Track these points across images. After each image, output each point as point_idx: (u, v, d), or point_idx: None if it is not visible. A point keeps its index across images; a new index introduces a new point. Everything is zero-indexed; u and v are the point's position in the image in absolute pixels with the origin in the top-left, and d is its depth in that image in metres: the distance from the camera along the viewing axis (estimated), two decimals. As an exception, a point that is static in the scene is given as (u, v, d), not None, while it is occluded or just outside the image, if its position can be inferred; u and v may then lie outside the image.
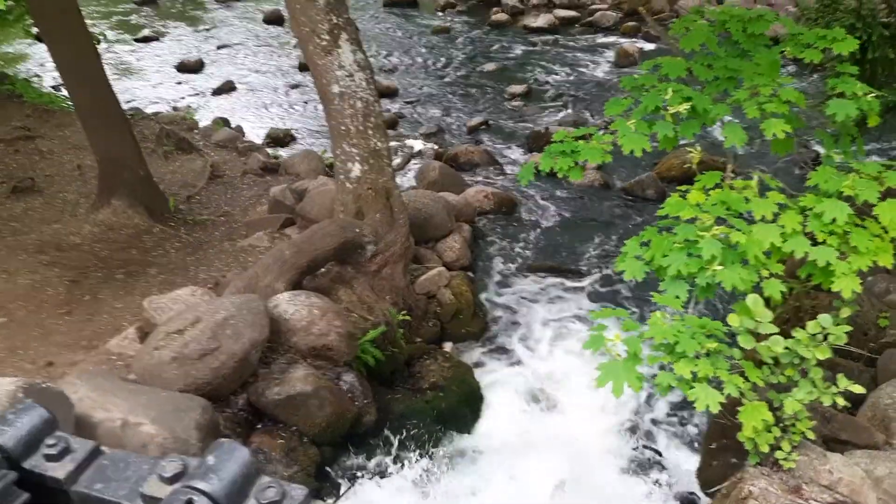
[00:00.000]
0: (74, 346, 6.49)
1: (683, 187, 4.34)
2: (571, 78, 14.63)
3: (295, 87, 15.13)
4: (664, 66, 4.58)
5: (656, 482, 6.08)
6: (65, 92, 13.79)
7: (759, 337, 4.14)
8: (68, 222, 8.58)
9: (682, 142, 4.73)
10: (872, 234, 3.86)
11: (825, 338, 4.16)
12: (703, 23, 5.04)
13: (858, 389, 4.13)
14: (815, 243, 3.88)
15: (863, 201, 3.90)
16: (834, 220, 3.80)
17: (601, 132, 4.72)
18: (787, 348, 4.12)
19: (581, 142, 4.57)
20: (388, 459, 6.20)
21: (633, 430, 6.63)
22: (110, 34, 17.31)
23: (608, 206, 10.25)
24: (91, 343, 6.55)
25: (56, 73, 15.00)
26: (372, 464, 6.14)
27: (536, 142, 11.87)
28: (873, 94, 4.15)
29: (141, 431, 4.85)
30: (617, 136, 4.39)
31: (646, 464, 6.31)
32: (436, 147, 12.31)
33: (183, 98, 14.76)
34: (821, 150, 5.96)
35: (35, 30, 13.60)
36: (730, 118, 4.61)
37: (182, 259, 8.14)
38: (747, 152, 10.24)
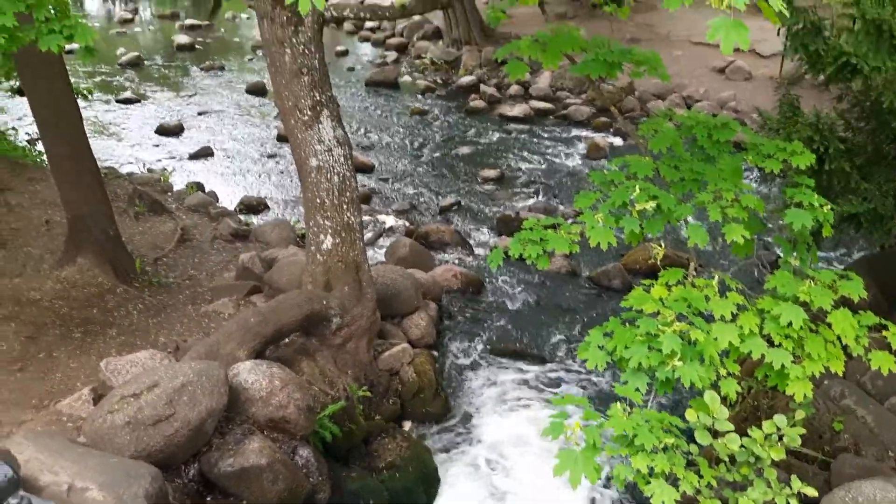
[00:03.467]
0: (24, 404, 6.31)
1: (647, 281, 4.46)
2: (543, 166, 15.03)
3: (272, 156, 15.31)
4: (632, 165, 4.78)
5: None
6: (40, 146, 13.81)
7: (715, 434, 4.20)
8: (30, 277, 8.45)
9: (647, 237, 4.89)
10: (826, 341, 4.00)
11: (780, 438, 4.23)
12: (671, 126, 5.28)
13: (812, 492, 4.18)
14: (771, 345, 4.00)
15: (818, 308, 4.05)
16: (790, 324, 3.94)
17: (569, 221, 4.86)
18: (742, 447, 4.17)
19: (550, 231, 4.69)
20: (339, 540, 6.04)
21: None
22: (93, 93, 17.44)
23: (574, 293, 10.39)
24: (42, 402, 6.38)
25: (32, 128, 15.10)
26: (322, 544, 5.98)
27: (506, 225, 12.09)
28: (829, 206, 4.37)
29: (87, 497, 4.69)
30: (585, 227, 4.52)
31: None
32: (407, 224, 12.46)
33: (159, 160, 14.83)
34: (780, 252, 6.19)
35: (12, 83, 13.70)
36: (693, 219, 4.79)
37: (144, 321, 8.03)
38: (710, 250, 10.54)
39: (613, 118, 16.66)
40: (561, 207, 12.93)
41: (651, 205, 4.34)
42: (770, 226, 6.30)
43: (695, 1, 3.28)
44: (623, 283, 10.40)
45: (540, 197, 13.63)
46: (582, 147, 15.86)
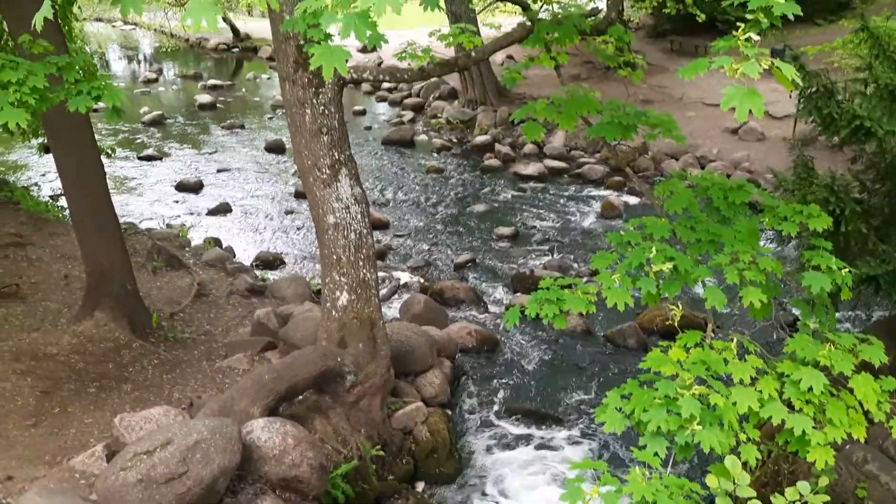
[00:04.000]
0: (38, 460, 6.29)
1: (665, 342, 4.44)
2: (558, 224, 15.09)
3: (289, 212, 15.49)
4: (649, 226, 4.81)
5: None
6: (62, 202, 14.08)
7: (736, 500, 4.11)
8: (48, 331, 8.52)
9: (664, 297, 4.88)
10: (847, 406, 3.95)
11: (803, 506, 4.14)
12: (687, 188, 5.33)
13: (837, 562, 4.07)
14: (791, 410, 3.95)
15: (838, 372, 4.01)
16: (810, 389, 3.89)
17: (584, 280, 4.87)
18: (765, 514, 4.08)
19: (566, 291, 4.70)
20: None
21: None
22: (116, 150, 17.83)
23: (589, 352, 10.31)
24: (55, 458, 6.35)
25: (55, 184, 15.41)
26: None
27: (521, 283, 12.09)
28: (847, 269, 4.36)
29: (95, 558, 4.63)
30: (602, 287, 4.53)
31: None
32: (422, 280, 12.49)
33: (178, 216, 15.04)
34: (798, 314, 6.13)
35: (39, 140, 14.04)
36: (710, 280, 4.79)
37: (158, 377, 8.04)
38: (727, 310, 10.45)
39: (628, 177, 16.76)
40: (576, 266, 12.94)
41: (668, 266, 4.35)
42: (786, 285, 6.27)
43: (709, 69, 3.35)
44: (639, 343, 10.32)
45: (555, 255, 13.65)
46: (596, 206, 15.94)
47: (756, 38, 3.21)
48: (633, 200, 16.07)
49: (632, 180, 14.93)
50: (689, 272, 4.40)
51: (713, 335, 4.49)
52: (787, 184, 7.68)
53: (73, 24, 13.70)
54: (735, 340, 4.30)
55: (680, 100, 20.75)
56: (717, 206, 5.01)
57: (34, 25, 3.79)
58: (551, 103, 5.75)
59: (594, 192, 16.81)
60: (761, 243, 4.94)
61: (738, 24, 3.57)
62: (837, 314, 5.96)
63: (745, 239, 4.67)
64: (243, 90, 27.39)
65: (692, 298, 10.60)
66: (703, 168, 17.09)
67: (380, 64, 25.14)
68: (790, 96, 8.10)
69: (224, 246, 13.28)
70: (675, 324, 4.50)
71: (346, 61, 3.71)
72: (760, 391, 3.95)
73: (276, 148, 19.78)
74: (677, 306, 4.57)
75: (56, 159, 8.62)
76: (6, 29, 10.65)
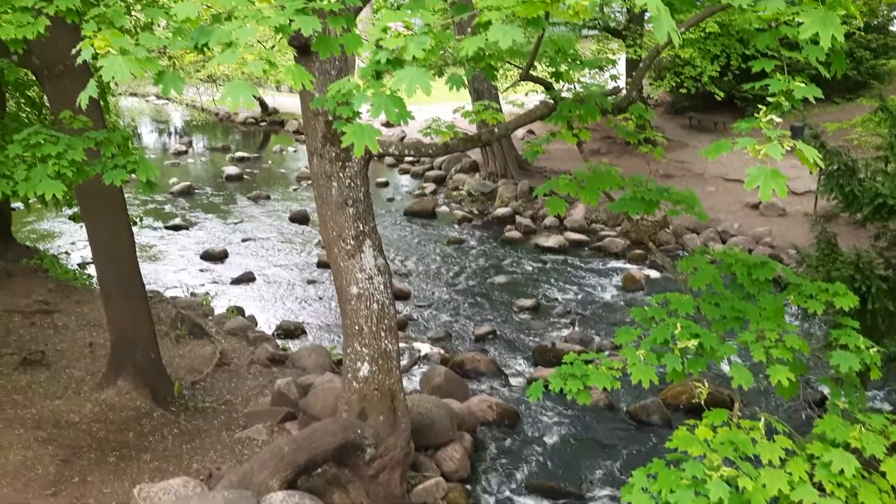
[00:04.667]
0: (55, 531, 6.24)
1: (691, 421, 4.38)
2: (579, 297, 15.06)
3: (311, 282, 15.61)
4: (673, 302, 4.81)
5: None
6: (89, 270, 14.32)
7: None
8: (71, 399, 8.56)
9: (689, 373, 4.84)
10: (880, 490, 3.85)
11: None
12: (710, 263, 5.34)
13: None
14: (822, 493, 3.85)
15: (870, 455, 3.93)
16: (842, 472, 3.81)
17: (606, 353, 4.85)
18: None
19: (591, 366, 4.69)
20: None
21: None
22: (144, 219, 18.21)
23: (612, 428, 10.14)
24: (72, 529, 6.30)
25: (83, 252, 15.71)
26: None
27: (543, 356, 12.00)
28: (875, 349, 4.31)
29: None
30: (626, 364, 4.51)
31: None
32: (442, 352, 12.43)
33: (203, 285, 15.21)
34: (826, 391, 6.03)
35: (71, 210, 14.37)
36: (736, 357, 4.75)
37: (178, 446, 8.00)
38: (754, 388, 10.28)
39: (648, 250, 16.78)
40: (597, 339, 12.84)
41: (693, 343, 4.34)
42: (814, 363, 6.19)
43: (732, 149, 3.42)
44: (662, 419, 10.13)
45: (576, 328, 13.57)
46: (617, 279, 15.92)
47: (778, 120, 3.28)
48: (654, 274, 16.04)
49: (654, 254, 14.89)
50: (715, 349, 4.38)
51: (740, 414, 4.43)
52: (810, 260, 7.67)
53: (110, 98, 14.21)
54: (763, 420, 4.23)
55: (700, 175, 20.90)
56: (742, 283, 5.01)
57: (78, 103, 3.97)
58: (574, 179, 5.85)
59: (615, 265, 16.81)
60: (786, 320, 4.91)
61: (757, 104, 3.66)
62: (867, 392, 5.85)
63: (771, 316, 4.65)
64: (270, 162, 28.01)
65: (716, 374, 10.46)
66: (724, 242, 17.08)
67: (403, 138, 25.67)
68: (811, 172, 8.17)
69: (246, 315, 13.37)
70: (702, 402, 4.45)
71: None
72: (790, 473, 3.87)
73: (300, 218, 20.08)
74: (703, 383, 4.53)
75: (88, 228, 8.82)
76: (47, 104, 11.09)
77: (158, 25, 7.62)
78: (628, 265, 16.68)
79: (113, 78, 3.62)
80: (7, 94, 12.73)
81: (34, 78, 11.95)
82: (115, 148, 6.16)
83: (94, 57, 3.73)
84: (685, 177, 20.48)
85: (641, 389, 10.61)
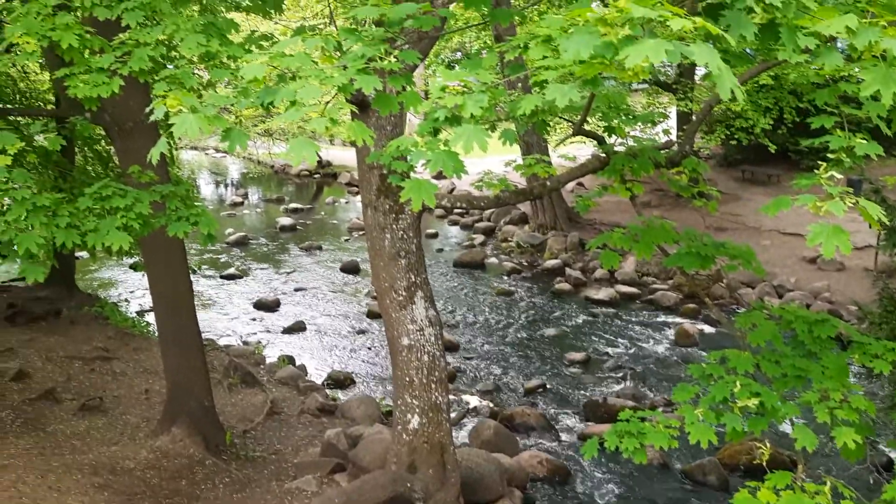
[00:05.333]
0: (107, 578, 6.29)
1: (752, 483, 4.24)
2: (631, 351, 14.81)
3: (361, 332, 15.70)
4: (732, 359, 4.71)
5: None
6: (147, 318, 14.69)
7: None
8: (126, 445, 8.71)
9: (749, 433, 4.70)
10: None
11: None
12: (769, 320, 5.23)
13: None
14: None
15: (946, 524, 3.75)
16: (915, 540, 3.64)
17: (660, 410, 4.76)
18: None
19: (647, 424, 4.60)
20: None
21: None
22: (201, 268, 18.67)
23: (666, 488, 9.84)
24: (125, 577, 6.35)
25: (142, 300, 16.14)
26: None
27: (594, 411, 11.79)
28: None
29: None
30: (684, 422, 4.42)
31: None
32: (491, 405, 12.32)
33: (255, 333, 15.45)
34: (894, 455, 5.79)
35: (132, 259, 14.82)
36: (799, 418, 4.61)
37: (229, 496, 8.04)
38: (818, 449, 9.90)
39: (702, 304, 16.48)
40: (650, 395, 12.57)
41: (754, 402, 4.23)
42: (880, 424, 5.96)
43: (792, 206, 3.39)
44: (719, 480, 9.80)
45: (628, 383, 13.32)
46: (670, 333, 15.63)
47: (839, 176, 3.25)
48: (708, 329, 15.70)
49: (709, 309, 14.61)
50: (777, 409, 4.27)
51: (804, 477, 4.28)
52: (873, 317, 7.45)
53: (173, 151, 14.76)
54: (829, 484, 4.08)
55: (754, 228, 20.56)
56: (802, 340, 4.89)
57: (149, 158, 4.15)
58: (628, 232, 5.83)
59: (667, 319, 16.52)
60: (850, 380, 4.76)
61: (812, 156, 3.63)
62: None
63: (835, 375, 4.52)
64: (322, 213, 28.53)
65: (776, 433, 10.11)
66: (780, 297, 16.68)
67: (452, 190, 25.93)
68: (870, 226, 7.99)
69: (297, 364, 13.50)
70: (763, 463, 4.32)
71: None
72: (860, 541, 3.71)
73: (351, 269, 20.31)
74: (764, 444, 4.40)
75: (149, 277, 9.09)
76: (113, 158, 11.58)
77: (221, 83, 7.93)
78: (681, 319, 16.38)
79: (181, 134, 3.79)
80: (76, 148, 13.32)
81: (102, 133, 12.54)
82: (179, 201, 6.38)
83: (166, 115, 3.92)
84: (739, 230, 20.16)
85: (696, 448, 10.30)
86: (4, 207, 5.51)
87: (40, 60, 11.44)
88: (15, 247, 5.44)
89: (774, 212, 3.33)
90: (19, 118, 10.34)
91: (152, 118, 4.01)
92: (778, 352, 4.84)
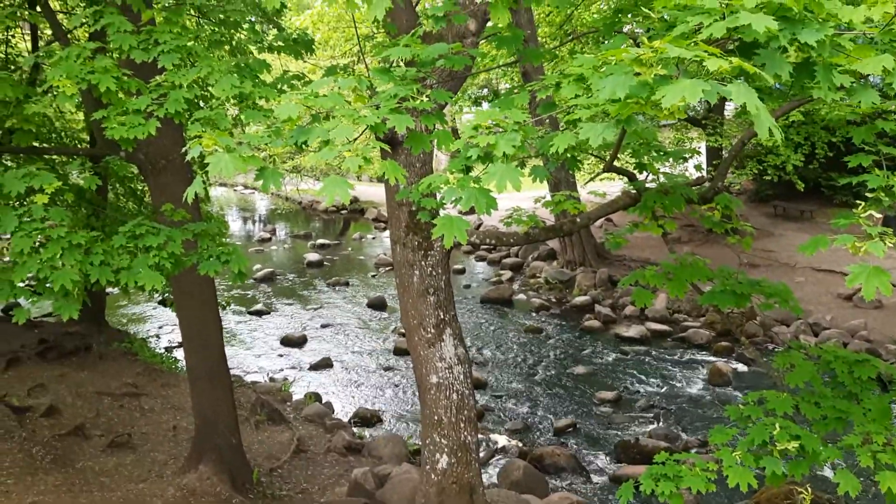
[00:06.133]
0: None
1: (794, 530, 4.10)
2: (662, 390, 14.55)
3: (388, 369, 15.63)
4: (770, 400, 4.60)
5: None
6: (175, 354, 14.78)
7: None
8: (154, 483, 8.68)
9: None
10: None
11: None
12: (807, 360, 5.11)
13: None
14: None
15: None
16: None
17: (694, 451, 4.64)
18: None
19: (684, 467, 4.48)
20: None
21: None
22: (229, 304, 18.80)
23: (701, 532, 9.57)
24: None
25: (171, 336, 16.27)
26: None
27: (626, 452, 11.56)
28: None
29: None
30: (722, 465, 4.29)
31: None
32: (520, 444, 12.13)
33: (282, 370, 15.45)
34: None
35: (160, 296, 14.97)
36: (841, 462, 4.47)
37: (255, 535, 7.97)
38: (861, 494, 9.58)
39: (736, 342, 16.19)
40: (683, 436, 12.29)
41: (794, 445, 4.10)
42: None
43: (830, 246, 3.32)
44: (757, 524, 9.51)
45: (660, 423, 13.06)
46: (703, 372, 15.34)
47: (877, 215, 3.18)
48: (742, 367, 15.40)
49: (744, 347, 14.27)
50: (818, 453, 4.13)
51: (849, 524, 4.13)
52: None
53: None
54: (876, 532, 3.93)
55: (788, 265, 20.26)
56: (843, 381, 4.76)
57: (185, 198, 4.20)
58: (661, 270, 5.76)
59: (700, 357, 16.24)
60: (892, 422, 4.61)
61: (844, 191, 3.56)
62: None
63: (877, 418, 4.38)
64: (349, 249, 28.70)
65: (815, 476, 9.81)
66: (816, 335, 16.32)
67: (479, 226, 25.95)
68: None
69: (324, 401, 13.44)
70: (806, 509, 4.18)
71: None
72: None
73: (377, 305, 20.32)
74: (806, 489, 4.26)
75: (179, 315, 9.15)
76: (148, 198, 11.76)
77: (253, 123, 8.06)
78: (714, 357, 16.09)
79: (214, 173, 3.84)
80: (108, 186, 13.57)
81: (135, 171, 12.78)
82: (210, 239, 6.44)
83: (201, 155, 3.97)
84: (772, 266, 19.88)
85: (732, 492, 10.04)
86: (38, 245, 5.59)
87: (77, 100, 11.74)
88: (49, 284, 5.51)
89: (812, 251, 3.26)
90: (55, 157, 10.58)
91: (188, 157, 4.07)
92: (817, 393, 4.72)
